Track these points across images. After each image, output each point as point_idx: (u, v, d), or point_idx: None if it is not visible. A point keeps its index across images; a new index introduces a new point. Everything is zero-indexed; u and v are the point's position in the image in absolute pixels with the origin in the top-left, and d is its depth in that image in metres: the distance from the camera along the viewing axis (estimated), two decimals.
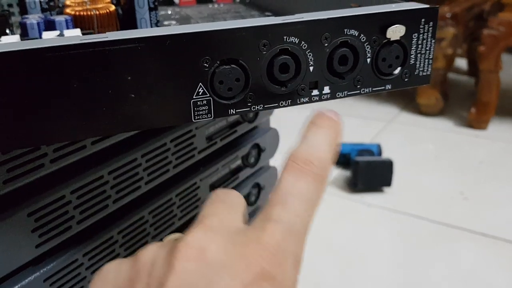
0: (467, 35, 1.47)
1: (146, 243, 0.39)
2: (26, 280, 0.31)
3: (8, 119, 0.23)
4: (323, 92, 0.28)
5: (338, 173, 1.16)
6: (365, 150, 1.15)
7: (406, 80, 0.30)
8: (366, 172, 1.06)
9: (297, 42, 0.26)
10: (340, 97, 0.29)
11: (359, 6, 0.31)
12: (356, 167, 1.06)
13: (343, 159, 1.17)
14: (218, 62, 0.26)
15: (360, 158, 1.08)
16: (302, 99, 0.28)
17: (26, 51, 0.22)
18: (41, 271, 0.31)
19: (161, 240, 0.25)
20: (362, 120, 1.45)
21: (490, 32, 1.27)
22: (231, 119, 0.47)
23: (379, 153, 1.16)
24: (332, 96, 0.29)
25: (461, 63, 1.80)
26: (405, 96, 1.59)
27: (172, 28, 0.25)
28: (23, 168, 0.30)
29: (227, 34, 0.25)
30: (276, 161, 0.56)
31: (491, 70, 1.30)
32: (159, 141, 0.38)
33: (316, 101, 0.28)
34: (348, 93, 0.29)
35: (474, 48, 1.52)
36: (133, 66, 0.24)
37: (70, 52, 0.23)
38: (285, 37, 0.26)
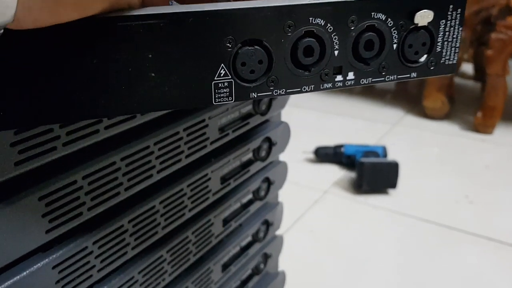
0: (474, 40, 1.47)
1: (156, 233, 0.38)
2: (35, 267, 0.30)
3: (27, 95, 0.22)
4: (347, 78, 0.28)
5: (343, 174, 1.15)
6: (370, 151, 1.14)
7: (432, 68, 0.29)
8: (371, 173, 1.05)
9: (323, 24, 0.26)
10: (364, 84, 0.28)
11: None
12: (361, 169, 1.05)
13: (348, 160, 1.17)
14: (241, 42, 0.25)
15: (365, 160, 1.07)
16: (326, 84, 0.27)
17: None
18: (50, 257, 0.31)
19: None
20: (367, 122, 1.45)
21: (498, 36, 1.26)
22: (244, 110, 0.46)
23: (385, 155, 1.15)
24: (356, 82, 0.28)
25: (467, 68, 1.79)
26: (411, 99, 1.58)
27: (195, 6, 0.25)
28: (35, 150, 0.29)
29: (252, 13, 0.25)
30: (286, 155, 0.55)
31: (498, 74, 1.30)
32: (172, 129, 0.38)
33: (340, 87, 0.28)
34: (373, 80, 0.28)
35: (480, 53, 1.52)
36: (154, 44, 0.24)
37: (91, 26, 0.22)
38: (311, 18, 0.25)
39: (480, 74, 1.61)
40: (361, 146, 1.18)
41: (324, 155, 1.19)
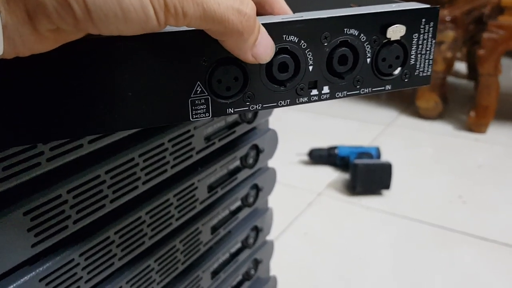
0: (467, 39, 1.47)
1: (143, 243, 0.39)
2: (22, 280, 0.30)
3: (8, 116, 0.23)
4: (322, 92, 0.28)
5: (337, 176, 1.15)
6: (364, 153, 1.15)
7: (406, 80, 0.29)
8: (365, 175, 1.06)
9: (296, 41, 0.26)
10: (340, 97, 0.29)
11: (358, 6, 0.31)
12: (355, 170, 1.06)
13: (342, 162, 1.17)
14: (216, 61, 0.26)
15: (359, 161, 1.07)
16: (301, 98, 0.28)
17: None
18: (37, 270, 0.31)
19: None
20: (361, 123, 1.45)
21: (489, 35, 1.27)
22: (230, 119, 0.47)
23: (378, 156, 1.16)
24: (332, 96, 0.28)
25: (461, 66, 1.80)
26: (404, 99, 1.59)
27: (170, 26, 0.25)
28: (19, 167, 0.29)
29: None
30: (274, 161, 0.56)
31: (490, 74, 1.30)
32: (157, 141, 0.38)
33: (315, 101, 0.28)
34: (348, 93, 0.29)
35: (473, 52, 1.53)
36: (130, 64, 0.24)
37: (69, 49, 0.23)
38: (284, 36, 0.26)
39: (473, 73, 1.62)
40: (354, 147, 1.18)
41: (318, 157, 1.20)
